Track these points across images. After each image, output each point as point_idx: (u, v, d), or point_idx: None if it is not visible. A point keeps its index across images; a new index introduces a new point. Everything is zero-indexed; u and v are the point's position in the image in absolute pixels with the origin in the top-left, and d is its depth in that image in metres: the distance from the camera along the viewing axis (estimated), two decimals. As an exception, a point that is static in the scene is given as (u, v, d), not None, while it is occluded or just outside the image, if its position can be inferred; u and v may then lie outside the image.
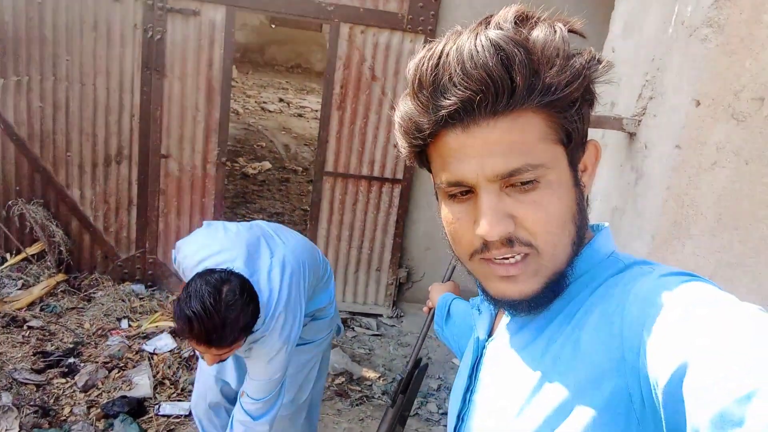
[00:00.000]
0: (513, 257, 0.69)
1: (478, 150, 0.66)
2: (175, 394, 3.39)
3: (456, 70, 0.64)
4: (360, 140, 4.45)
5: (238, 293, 1.77)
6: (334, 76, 4.30)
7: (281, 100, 11.60)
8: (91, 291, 4.33)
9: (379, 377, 3.97)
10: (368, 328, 4.62)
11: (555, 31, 0.65)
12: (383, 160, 4.50)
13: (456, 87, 0.64)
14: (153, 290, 4.53)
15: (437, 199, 0.79)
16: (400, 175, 4.54)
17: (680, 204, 1.18)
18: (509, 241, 0.68)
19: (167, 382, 3.48)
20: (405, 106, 0.72)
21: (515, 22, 0.65)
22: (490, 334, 0.87)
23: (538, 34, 0.65)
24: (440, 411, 3.67)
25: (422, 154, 0.74)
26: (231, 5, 4.12)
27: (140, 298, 4.35)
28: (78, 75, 4.15)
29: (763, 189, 1.15)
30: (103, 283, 4.44)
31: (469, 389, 0.85)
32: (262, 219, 6.56)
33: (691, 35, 1.10)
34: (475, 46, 0.63)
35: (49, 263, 4.32)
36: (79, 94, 4.19)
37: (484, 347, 0.85)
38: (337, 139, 4.43)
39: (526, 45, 0.63)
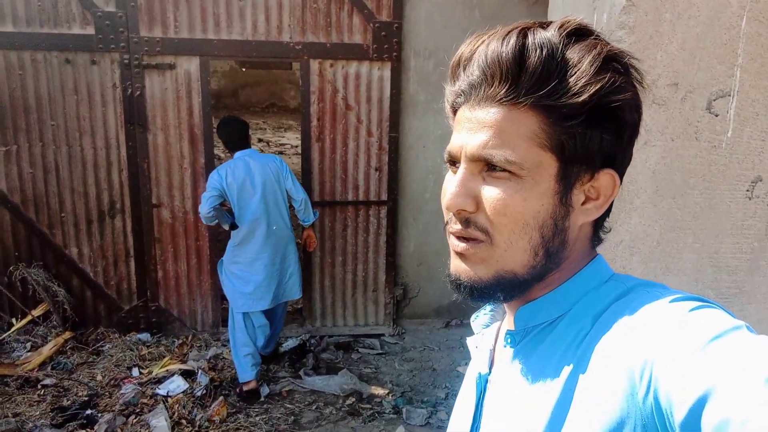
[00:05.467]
0: (465, 237, 0.72)
1: (470, 127, 0.70)
2: (192, 432, 3.50)
3: (482, 54, 0.69)
4: (342, 168, 4.63)
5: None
6: (309, 110, 4.50)
7: (260, 140, 11.79)
8: (99, 345, 4.44)
9: (388, 393, 4.09)
10: (372, 348, 4.75)
11: (593, 49, 0.67)
12: (367, 184, 4.68)
13: (478, 67, 0.70)
14: (159, 337, 4.65)
15: None
16: (384, 197, 4.72)
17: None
18: (466, 221, 0.71)
19: (184, 422, 3.58)
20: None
21: (566, 31, 0.68)
22: (490, 367, 0.84)
23: (577, 46, 0.68)
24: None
25: None
26: (204, 55, 4.33)
27: (147, 346, 4.47)
28: (64, 138, 4.32)
29: (691, 161, 1.33)
30: (109, 336, 4.55)
31: (475, 426, 0.83)
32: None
33: (609, 37, 1.28)
34: (505, 40, 0.68)
35: (55, 323, 4.43)
36: (67, 155, 4.35)
37: (487, 381, 0.82)
38: (320, 170, 4.61)
39: (551, 48, 0.67)
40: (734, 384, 0.49)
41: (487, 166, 0.69)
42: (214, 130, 4.30)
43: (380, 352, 4.71)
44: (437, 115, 4.60)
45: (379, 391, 4.13)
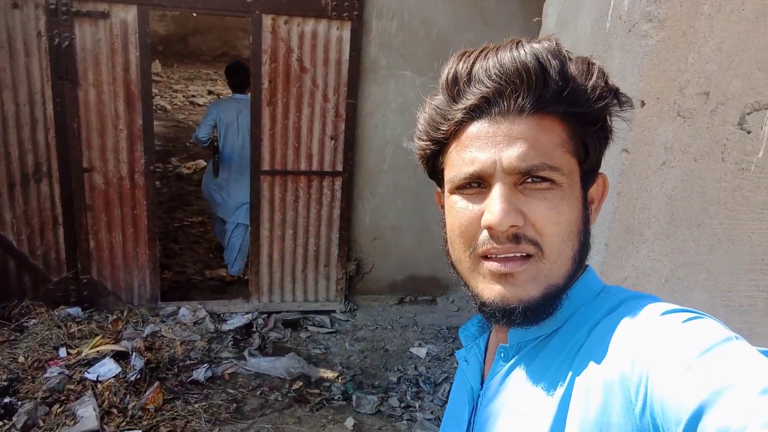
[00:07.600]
0: (515, 255, 0.67)
1: (500, 140, 0.67)
2: (124, 423, 3.22)
3: (494, 65, 0.67)
4: (295, 135, 4.30)
5: None
6: (261, 71, 4.12)
7: (210, 92, 11.22)
8: (23, 320, 4.06)
9: (338, 376, 3.89)
10: (322, 326, 4.53)
11: (586, 61, 0.70)
12: (321, 153, 4.37)
13: (491, 79, 0.67)
14: (91, 312, 4.29)
15: (441, 206, 0.79)
16: (340, 167, 4.42)
17: (632, 209, 1.13)
18: (515, 237, 0.66)
19: (115, 410, 3.30)
20: (433, 102, 0.74)
21: (556, 46, 0.69)
22: (481, 383, 0.83)
23: (577, 57, 0.70)
24: (402, 405, 3.63)
25: (437, 156, 0.76)
26: (143, 4, 3.87)
27: (78, 322, 4.11)
28: (-19, 91, 3.83)
29: (714, 185, 1.11)
30: (35, 309, 4.16)
31: None
32: (201, 221, 6.35)
33: (630, 30, 1.03)
34: (516, 50, 0.67)
35: (-28, 296, 4.02)
36: (-16, 111, 3.87)
37: (479, 397, 0.81)
38: (270, 136, 4.26)
39: (562, 57, 0.67)
40: (729, 395, 0.49)
41: (522, 179, 0.67)
42: (158, 80, 4.01)
43: (330, 330, 4.49)
44: (399, 82, 4.28)
45: (329, 374, 3.93)
